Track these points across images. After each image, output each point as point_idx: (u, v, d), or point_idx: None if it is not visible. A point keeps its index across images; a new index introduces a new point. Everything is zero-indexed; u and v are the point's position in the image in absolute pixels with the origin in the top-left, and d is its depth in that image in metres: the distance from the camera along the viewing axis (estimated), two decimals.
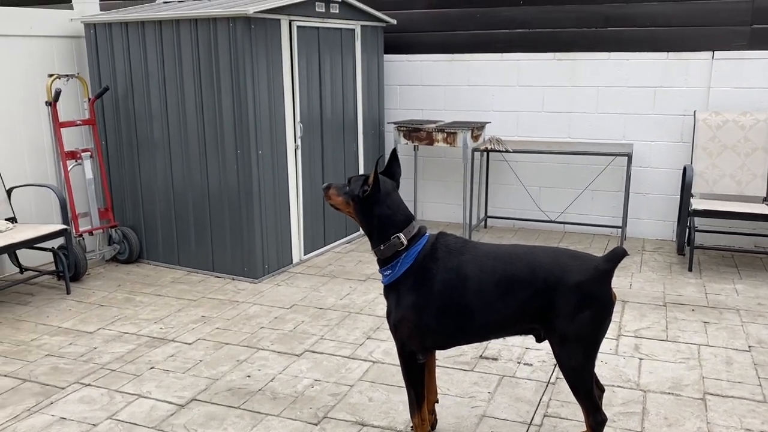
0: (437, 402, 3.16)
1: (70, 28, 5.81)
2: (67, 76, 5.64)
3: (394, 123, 6.51)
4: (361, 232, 6.49)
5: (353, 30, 6.11)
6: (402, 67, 6.96)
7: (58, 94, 5.41)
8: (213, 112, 5.18)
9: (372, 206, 2.63)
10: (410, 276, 2.59)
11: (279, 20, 5.20)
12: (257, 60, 5.06)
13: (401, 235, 2.61)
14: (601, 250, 5.90)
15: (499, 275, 2.54)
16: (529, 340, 4.04)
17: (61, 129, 5.55)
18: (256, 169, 5.16)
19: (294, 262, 5.73)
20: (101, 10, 6.14)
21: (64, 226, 5.09)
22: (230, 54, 5.01)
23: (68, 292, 5.13)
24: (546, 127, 6.60)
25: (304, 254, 5.83)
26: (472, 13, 6.75)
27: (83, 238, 5.67)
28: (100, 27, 5.63)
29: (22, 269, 5.42)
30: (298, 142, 5.54)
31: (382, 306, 4.73)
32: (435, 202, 7.19)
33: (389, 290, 2.68)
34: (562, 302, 2.50)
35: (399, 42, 6.92)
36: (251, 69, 5.01)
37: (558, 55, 6.45)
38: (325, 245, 6.10)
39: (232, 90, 5.05)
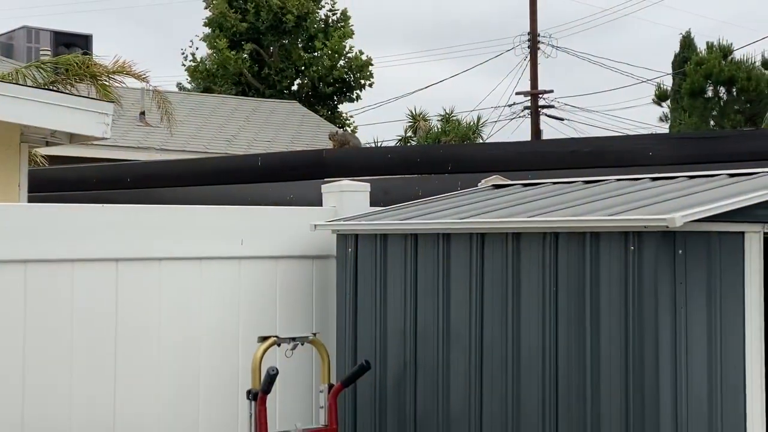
0: None
1: (311, 242, 3.16)
2: (292, 339, 2.92)
3: None
4: None
5: None
6: None
7: (271, 378, 2.80)
8: (580, 417, 2.90)
9: None
10: None
11: (740, 234, 3.11)
12: (684, 309, 2.97)
13: None
14: None
15: None
16: None
17: None
18: None
19: None
20: (373, 205, 3.36)
21: None
22: (624, 298, 2.94)
23: None
24: None
25: None
26: None
27: None
28: (365, 240, 3.20)
29: None
30: None
31: None
32: None
33: None
34: None
35: None
36: (669, 329, 2.87)
37: None
38: None
39: (622, 373, 2.83)
